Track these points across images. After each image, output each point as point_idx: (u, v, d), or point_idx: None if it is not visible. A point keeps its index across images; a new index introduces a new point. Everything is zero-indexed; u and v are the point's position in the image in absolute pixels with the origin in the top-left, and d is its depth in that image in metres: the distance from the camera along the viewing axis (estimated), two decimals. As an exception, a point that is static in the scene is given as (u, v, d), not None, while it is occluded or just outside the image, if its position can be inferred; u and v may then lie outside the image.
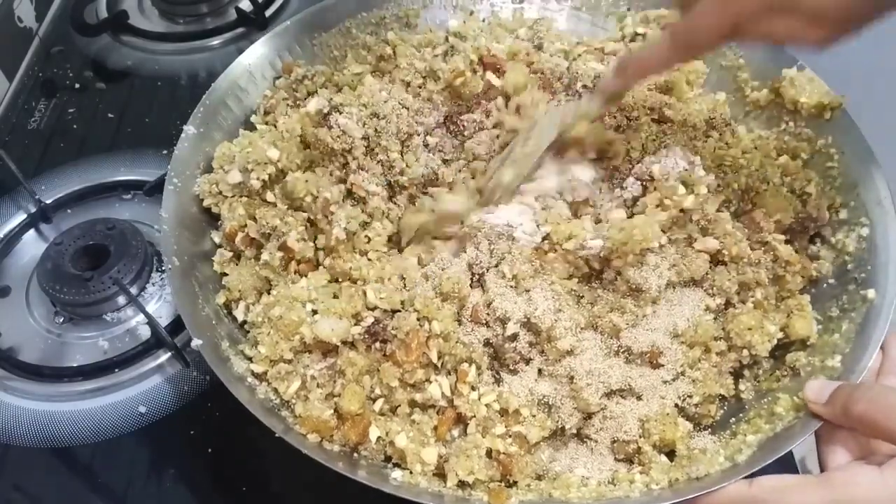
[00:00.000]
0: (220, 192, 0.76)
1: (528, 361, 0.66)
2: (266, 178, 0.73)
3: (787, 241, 0.72)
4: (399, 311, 0.67)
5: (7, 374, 0.80)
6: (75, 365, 0.80)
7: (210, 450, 0.74)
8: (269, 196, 0.74)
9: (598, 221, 0.72)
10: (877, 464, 0.54)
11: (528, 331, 0.66)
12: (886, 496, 0.52)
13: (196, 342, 0.64)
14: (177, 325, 0.81)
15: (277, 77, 0.87)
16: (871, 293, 0.67)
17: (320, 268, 0.71)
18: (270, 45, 0.87)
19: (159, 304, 0.85)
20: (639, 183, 0.71)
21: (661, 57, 0.64)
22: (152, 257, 0.87)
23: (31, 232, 0.94)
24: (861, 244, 0.71)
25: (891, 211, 0.71)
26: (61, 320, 0.84)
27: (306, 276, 0.70)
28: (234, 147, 0.78)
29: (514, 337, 0.65)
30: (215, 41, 1.18)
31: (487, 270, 0.68)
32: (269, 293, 0.70)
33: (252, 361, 0.66)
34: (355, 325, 0.66)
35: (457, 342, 0.65)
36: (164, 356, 0.81)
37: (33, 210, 0.94)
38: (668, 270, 0.67)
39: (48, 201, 0.95)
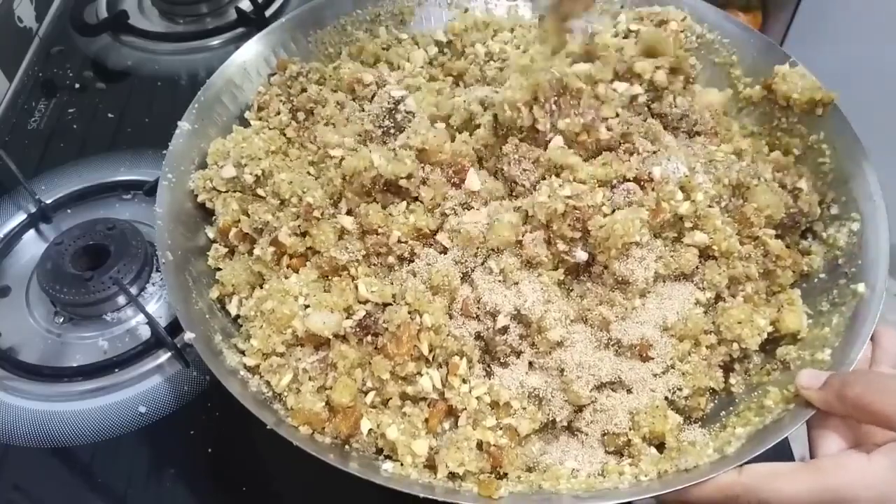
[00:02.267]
0: (214, 188, 0.77)
1: (518, 354, 0.67)
2: (259, 173, 0.74)
3: (778, 236, 0.73)
4: (390, 304, 0.68)
5: (7, 374, 0.81)
6: (75, 365, 0.81)
7: (210, 450, 0.75)
8: (262, 191, 0.75)
9: None
10: (866, 451, 0.54)
11: (518, 323, 0.67)
12: (874, 481, 0.53)
13: (189, 335, 0.65)
14: (177, 326, 0.82)
15: (272, 74, 0.87)
16: (861, 287, 0.68)
17: (308, 263, 0.72)
18: (266, 42, 0.88)
19: (159, 304, 0.86)
20: (624, 192, 0.71)
21: None
22: (152, 257, 0.88)
23: (31, 232, 0.95)
24: (852, 239, 0.72)
25: (881, 206, 0.72)
26: (61, 320, 0.85)
27: (297, 271, 0.71)
28: (228, 143, 0.79)
29: (504, 329, 0.66)
30: (215, 41, 1.20)
31: (474, 269, 0.69)
32: (261, 287, 0.71)
33: (244, 355, 0.67)
34: (347, 318, 0.67)
35: (448, 335, 0.66)
36: (164, 356, 0.82)
37: (33, 210, 0.95)
38: (655, 262, 0.68)
39: (48, 201, 0.96)
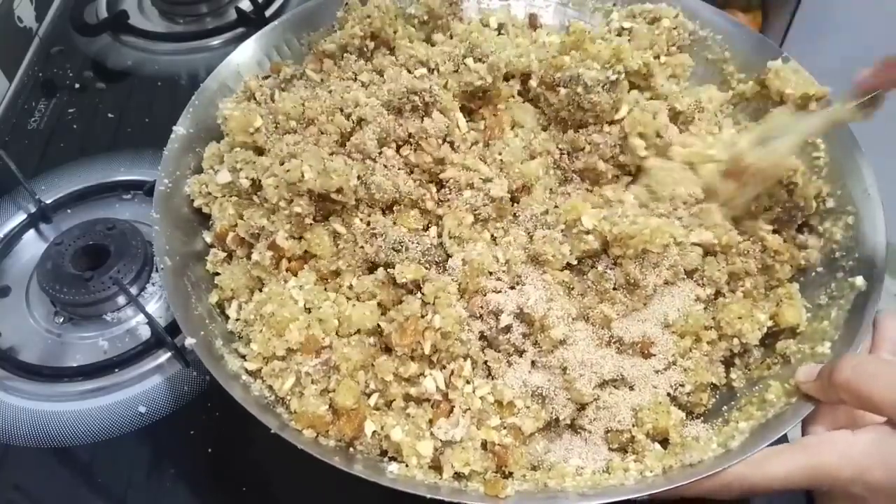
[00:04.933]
0: (210, 193, 0.72)
1: (521, 353, 0.63)
2: (255, 177, 0.69)
3: (775, 231, 0.70)
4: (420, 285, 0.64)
5: (7, 374, 0.76)
6: (75, 365, 0.77)
7: (210, 450, 0.71)
8: (257, 196, 0.70)
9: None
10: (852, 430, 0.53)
11: (521, 322, 0.63)
12: (855, 455, 0.51)
13: (189, 341, 0.61)
14: (177, 326, 0.75)
15: (266, 77, 0.82)
16: (858, 280, 0.64)
17: (306, 266, 0.68)
18: (259, 44, 0.83)
19: (159, 304, 0.82)
20: None
21: None
22: (152, 257, 0.83)
23: (31, 232, 0.90)
24: (848, 232, 0.69)
25: (877, 199, 0.68)
26: (61, 320, 0.81)
27: (296, 274, 0.66)
28: (223, 147, 0.74)
29: (507, 328, 0.62)
30: (215, 41, 1.14)
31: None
32: (260, 291, 0.66)
33: (245, 359, 0.63)
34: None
35: (455, 340, 0.61)
36: (164, 356, 0.77)
37: (33, 210, 0.90)
38: (667, 271, 0.64)
39: (48, 201, 0.91)
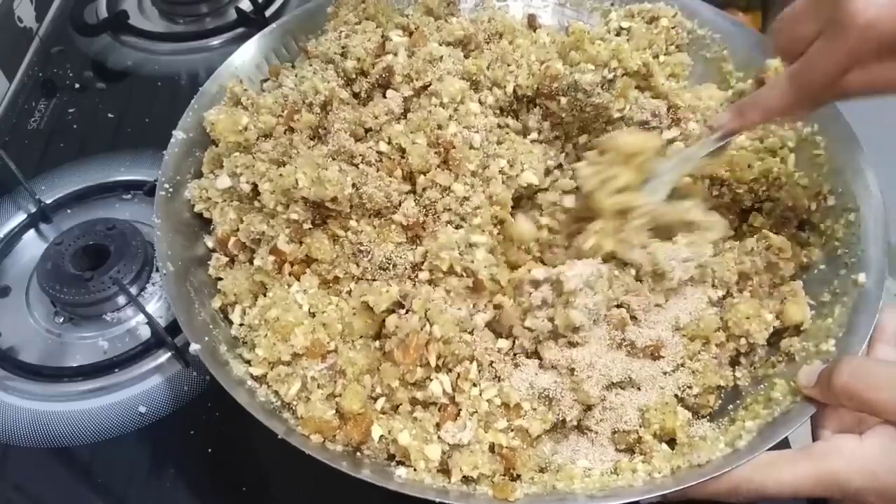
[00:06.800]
0: (210, 198, 0.69)
1: (528, 355, 0.61)
2: (255, 181, 0.66)
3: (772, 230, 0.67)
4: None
5: (7, 374, 0.73)
6: (75, 365, 0.74)
7: (210, 450, 0.69)
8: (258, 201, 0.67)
9: None
10: (860, 433, 0.52)
11: (551, 290, 0.60)
12: (866, 462, 0.50)
13: (194, 347, 0.58)
14: (177, 325, 0.73)
15: (265, 80, 0.79)
16: (861, 277, 0.62)
17: (308, 270, 0.65)
18: (258, 47, 0.80)
19: (159, 304, 0.79)
20: None
21: (782, 101, 0.57)
22: (152, 257, 0.81)
23: (31, 232, 0.87)
24: (850, 229, 0.66)
25: (878, 196, 0.66)
26: (61, 320, 0.78)
27: (299, 278, 0.64)
28: (222, 151, 0.71)
29: (542, 305, 0.60)
30: (215, 41, 1.10)
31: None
32: (264, 296, 0.64)
33: (251, 365, 0.61)
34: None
35: (458, 342, 0.58)
36: (164, 356, 0.75)
37: (33, 210, 0.87)
38: (696, 269, 0.63)
39: (48, 201, 0.88)
